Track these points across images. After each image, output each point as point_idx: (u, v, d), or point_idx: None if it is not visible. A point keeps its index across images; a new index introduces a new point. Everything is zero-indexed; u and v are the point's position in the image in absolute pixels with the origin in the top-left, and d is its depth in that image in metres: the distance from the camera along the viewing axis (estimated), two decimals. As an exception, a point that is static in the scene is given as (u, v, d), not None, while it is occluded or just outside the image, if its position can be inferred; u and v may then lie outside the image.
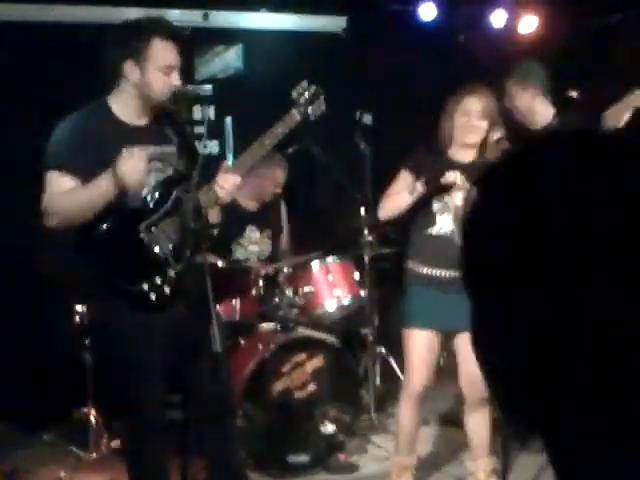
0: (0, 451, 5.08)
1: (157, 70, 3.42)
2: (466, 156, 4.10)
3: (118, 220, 3.41)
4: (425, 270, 4.05)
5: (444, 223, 4.02)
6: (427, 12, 6.60)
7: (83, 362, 4.96)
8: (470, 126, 4.01)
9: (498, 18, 6.71)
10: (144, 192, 3.46)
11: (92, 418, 5.05)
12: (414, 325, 4.07)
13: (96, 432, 5.03)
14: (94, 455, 4.95)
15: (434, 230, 4.03)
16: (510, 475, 4.05)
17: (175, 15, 6.05)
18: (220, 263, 4.94)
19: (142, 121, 3.55)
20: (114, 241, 3.40)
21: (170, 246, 3.48)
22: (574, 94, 5.08)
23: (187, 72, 6.11)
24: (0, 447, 5.12)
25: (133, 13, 5.95)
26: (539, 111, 4.77)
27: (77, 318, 4.97)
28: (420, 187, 3.94)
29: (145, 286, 3.41)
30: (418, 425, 4.26)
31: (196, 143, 3.78)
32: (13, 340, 5.55)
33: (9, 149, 5.43)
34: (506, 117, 4.33)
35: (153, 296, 3.42)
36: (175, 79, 3.48)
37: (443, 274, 4.01)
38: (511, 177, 0.95)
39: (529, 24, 6.72)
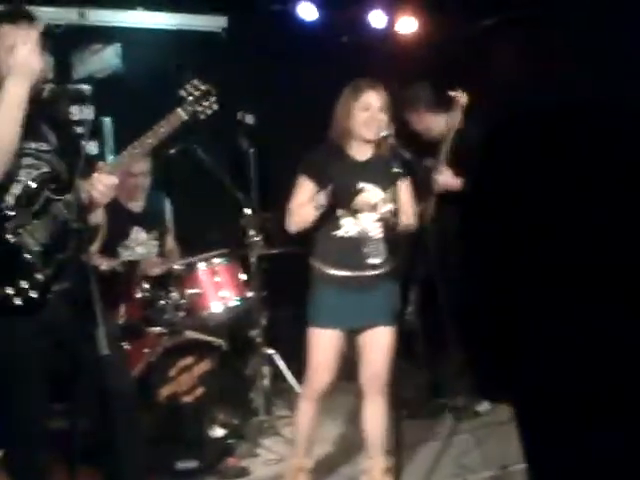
0: None
1: (3, 52, 3.30)
2: (365, 152, 4.04)
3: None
4: (330, 270, 4.01)
5: (349, 226, 3.98)
6: (307, 12, 6.60)
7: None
8: (372, 120, 3.94)
9: (377, 19, 6.77)
10: (14, 192, 3.33)
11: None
12: (318, 324, 4.03)
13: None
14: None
15: (339, 232, 3.99)
16: (404, 474, 4.07)
17: (50, 13, 5.89)
18: (104, 265, 4.82)
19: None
20: None
21: (38, 249, 3.35)
22: (455, 94, 5.25)
23: (64, 71, 6.05)
24: None
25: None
26: (433, 127, 5.53)
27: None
28: (323, 200, 3.85)
29: (10, 290, 3.28)
30: (316, 426, 4.22)
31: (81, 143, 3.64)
32: None
33: None
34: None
35: (18, 300, 3.29)
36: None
37: (348, 274, 3.99)
38: None
39: (408, 25, 6.80)
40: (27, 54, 3.27)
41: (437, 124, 5.50)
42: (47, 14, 5.82)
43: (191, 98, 3.62)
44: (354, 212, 3.97)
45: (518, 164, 2.01)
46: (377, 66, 6.52)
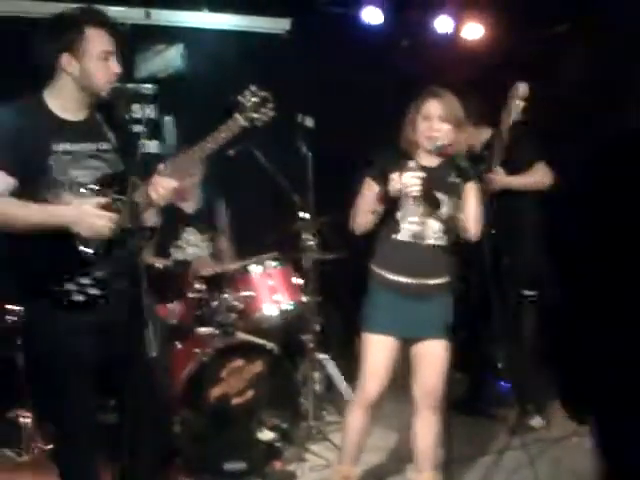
0: None
1: (95, 58, 3.36)
2: (432, 160, 4.00)
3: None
4: (388, 275, 3.97)
5: (408, 230, 3.94)
6: (371, 16, 6.57)
7: (15, 362, 4.83)
8: (431, 130, 3.91)
9: (443, 24, 6.71)
10: (77, 192, 3.36)
11: (24, 420, 4.92)
12: (372, 329, 4.00)
13: (29, 434, 4.90)
14: (27, 458, 4.84)
15: (398, 236, 3.95)
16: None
17: (117, 12, 5.93)
18: (159, 264, 4.85)
19: (79, 116, 3.45)
20: (43, 240, 3.29)
21: (99, 247, 3.37)
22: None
23: (127, 70, 6.09)
24: None
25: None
26: (474, 142, 5.33)
27: (9, 317, 4.85)
28: (378, 202, 3.85)
29: (70, 286, 3.33)
30: (366, 434, 4.17)
31: (138, 143, 3.65)
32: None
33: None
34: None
35: (78, 297, 3.34)
36: (114, 65, 3.41)
37: (405, 281, 3.95)
38: None
39: (473, 31, 6.74)
40: (101, 225, 3.30)
41: (478, 138, 5.43)
42: (113, 13, 5.85)
43: (249, 104, 3.60)
44: (414, 215, 3.93)
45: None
46: (439, 71, 6.48)
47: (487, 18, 6.66)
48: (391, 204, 3.88)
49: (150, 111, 5.89)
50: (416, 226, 3.93)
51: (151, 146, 5.86)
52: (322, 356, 5.61)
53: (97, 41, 3.36)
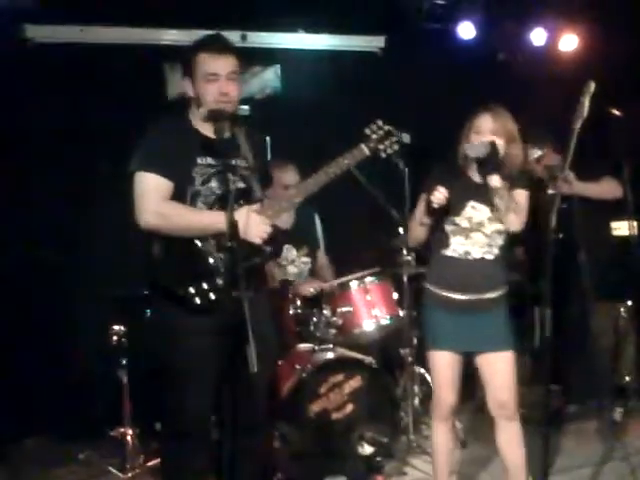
0: (35, 469, 5.11)
1: (202, 80, 3.58)
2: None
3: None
4: (440, 292, 4.01)
5: (457, 245, 3.98)
6: (466, 31, 6.57)
7: (119, 381, 4.97)
8: None
9: (538, 36, 6.67)
10: (208, 202, 3.59)
11: (128, 437, 5.05)
12: (433, 346, 4.05)
13: (132, 451, 5.03)
14: (130, 475, 4.96)
15: (448, 251, 4.00)
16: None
17: (213, 36, 6.11)
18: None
19: (220, 134, 3.61)
20: (171, 245, 3.53)
21: (222, 256, 3.54)
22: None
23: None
24: (35, 465, 5.16)
25: (172, 34, 6.08)
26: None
27: (114, 337, 5.00)
28: (424, 214, 3.93)
29: (192, 289, 3.51)
30: (453, 447, 4.22)
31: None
32: (49, 358, 5.59)
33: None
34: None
35: (198, 299, 3.51)
36: (223, 86, 3.57)
37: (457, 297, 3.97)
38: None
39: (570, 42, 6.67)
40: (258, 230, 3.57)
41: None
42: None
43: (375, 137, 3.80)
44: (462, 230, 3.96)
45: None
46: (536, 84, 6.44)
47: (582, 29, 6.58)
48: (436, 216, 3.94)
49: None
50: (464, 241, 3.96)
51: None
52: (421, 370, 5.62)
53: (204, 64, 3.57)
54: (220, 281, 3.53)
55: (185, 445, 3.56)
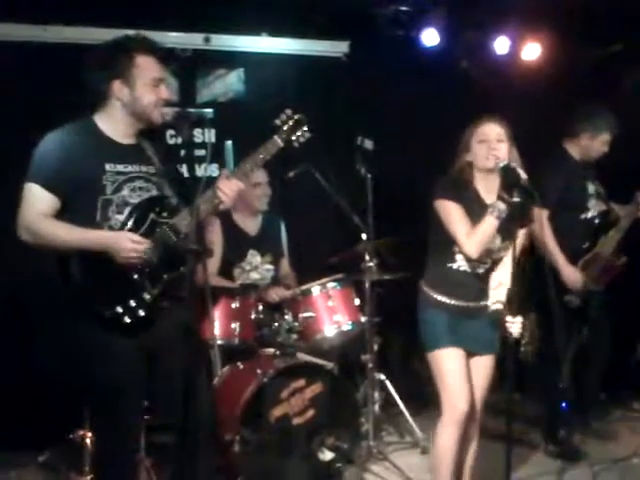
0: (-5, 472, 5.05)
1: (145, 85, 3.51)
2: (491, 182, 3.99)
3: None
4: (442, 298, 4.03)
5: (463, 261, 4.00)
6: (430, 38, 6.59)
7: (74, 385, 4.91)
8: (490, 150, 3.92)
9: (501, 45, 6.71)
10: (123, 215, 3.49)
11: (88, 441, 4.99)
12: (442, 344, 3.99)
13: (92, 455, 4.96)
14: (89, 477, 4.88)
15: (454, 265, 4.02)
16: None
17: (177, 38, 6.06)
18: (227, 286, 4.96)
19: (127, 140, 3.59)
20: (91, 264, 3.41)
21: (146, 270, 3.48)
22: None
23: (189, 94, 6.21)
24: (-6, 467, 5.09)
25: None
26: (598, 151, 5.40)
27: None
28: (502, 206, 3.82)
29: (119, 309, 3.42)
30: (461, 451, 4.10)
31: (177, 166, 3.94)
32: (9, 361, 5.50)
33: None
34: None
35: (127, 319, 3.43)
36: (164, 92, 3.56)
37: (460, 304, 4.01)
38: None
39: (532, 51, 6.72)
40: (127, 256, 3.42)
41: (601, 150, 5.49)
42: (173, 39, 6.01)
43: (285, 127, 3.73)
44: None
45: None
46: (498, 92, 6.47)
47: (545, 38, 6.64)
48: None
49: (211, 135, 5.98)
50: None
51: (212, 170, 5.91)
52: (381, 376, 5.62)
53: (147, 68, 3.51)
54: (147, 296, 3.47)
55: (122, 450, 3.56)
